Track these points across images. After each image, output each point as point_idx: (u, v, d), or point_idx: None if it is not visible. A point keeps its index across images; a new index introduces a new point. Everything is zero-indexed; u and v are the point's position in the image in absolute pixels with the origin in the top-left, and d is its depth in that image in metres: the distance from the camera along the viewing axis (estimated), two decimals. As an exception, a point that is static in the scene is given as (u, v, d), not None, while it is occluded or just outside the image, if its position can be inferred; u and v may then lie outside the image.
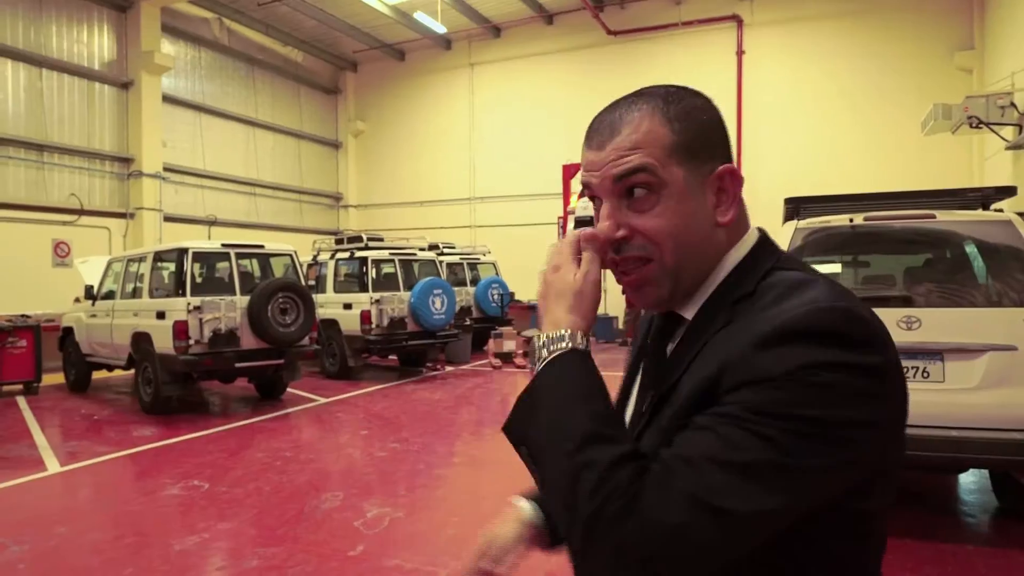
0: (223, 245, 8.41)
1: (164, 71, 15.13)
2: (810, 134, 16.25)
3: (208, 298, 7.87)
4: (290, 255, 9.07)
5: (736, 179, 0.86)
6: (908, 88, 15.46)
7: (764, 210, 15.21)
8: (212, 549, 4.13)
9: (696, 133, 0.85)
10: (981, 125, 11.84)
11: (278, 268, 9.60)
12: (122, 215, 14.59)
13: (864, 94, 15.82)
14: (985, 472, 4.82)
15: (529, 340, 13.66)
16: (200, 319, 7.75)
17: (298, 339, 8.45)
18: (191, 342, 7.71)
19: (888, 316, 3.92)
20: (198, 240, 8.56)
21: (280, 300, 8.27)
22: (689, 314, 0.89)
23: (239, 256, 8.49)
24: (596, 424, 0.76)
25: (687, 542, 0.69)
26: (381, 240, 11.45)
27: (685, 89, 0.89)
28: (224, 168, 17.41)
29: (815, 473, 0.71)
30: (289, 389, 9.43)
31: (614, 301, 16.97)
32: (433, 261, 11.82)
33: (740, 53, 16.96)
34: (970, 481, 5.19)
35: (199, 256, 8.24)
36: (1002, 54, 13.75)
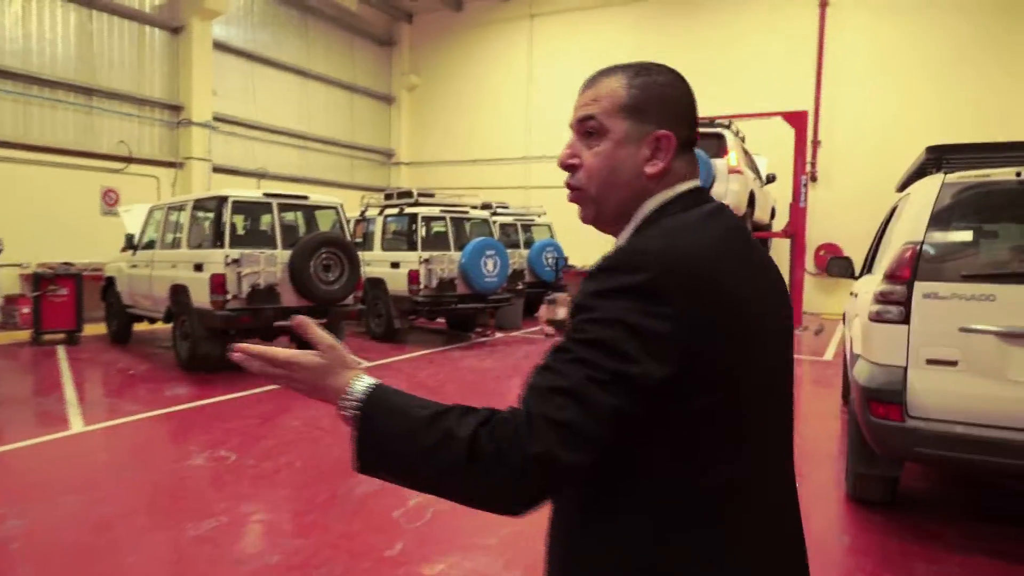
0: (265, 195, 7.86)
1: (215, 16, 14.62)
2: (893, 92, 14.90)
3: (247, 251, 7.35)
4: (336, 208, 8.49)
5: (669, 143, 1.04)
6: (1005, 45, 13.93)
7: (842, 170, 14.13)
8: (230, 537, 3.59)
9: (646, 100, 1.05)
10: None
11: (324, 223, 9.05)
12: (171, 164, 14.26)
13: (954, 51, 14.36)
14: None
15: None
16: (238, 273, 7.24)
17: (342, 298, 7.90)
18: (229, 297, 7.22)
19: (1070, 297, 3.07)
20: (239, 188, 8.05)
21: (323, 256, 7.71)
22: None
23: (282, 208, 7.94)
24: (427, 411, 0.93)
25: (548, 455, 0.86)
26: (432, 196, 10.79)
27: (660, 67, 1.09)
28: (275, 120, 16.94)
29: (614, 382, 0.88)
30: (332, 350, 8.93)
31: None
32: (486, 221, 11.13)
33: (824, 5, 15.58)
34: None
35: (240, 206, 7.71)
36: None
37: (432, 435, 0.90)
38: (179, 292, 7.78)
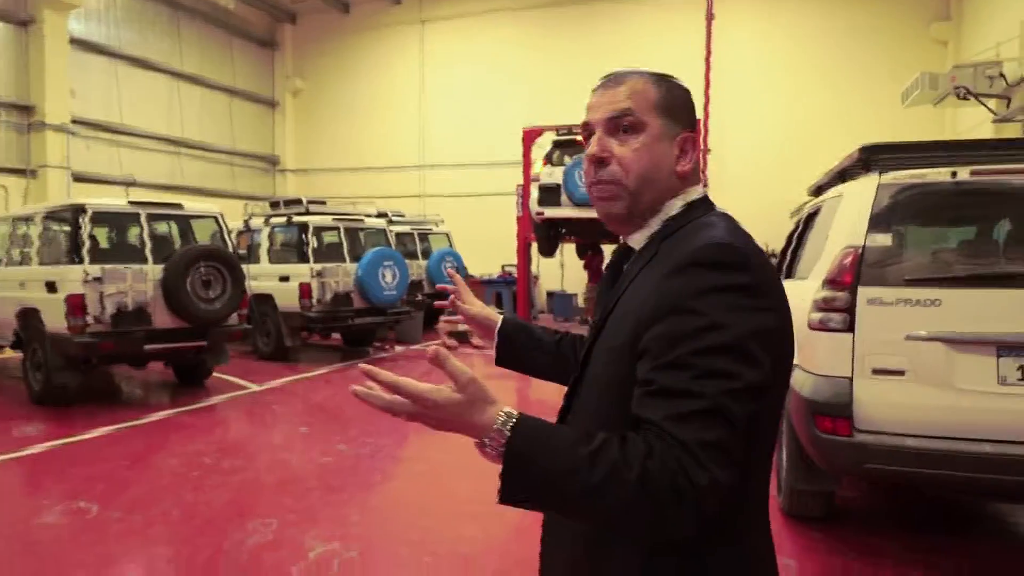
0: (131, 203, 6.98)
1: (71, 9, 13.23)
2: (781, 104, 15.54)
3: (111, 267, 6.47)
4: (215, 217, 7.70)
5: (695, 144, 1.08)
6: (882, 59, 14.88)
7: (731, 179, 14.38)
8: (87, 618, 2.93)
9: (674, 101, 1.08)
10: (968, 96, 11.26)
11: (203, 234, 8.21)
12: (22, 172, 12.74)
13: (837, 65, 15.16)
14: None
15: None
16: (100, 292, 6.35)
17: (224, 317, 7.13)
18: (89, 320, 6.32)
19: (1016, 300, 2.98)
20: (100, 197, 7.13)
21: (202, 270, 6.92)
22: (638, 246, 1.09)
23: (151, 218, 7.07)
24: (585, 446, 0.86)
25: (715, 482, 0.84)
26: (323, 204, 10.10)
27: (671, 76, 1.12)
28: (144, 124, 15.56)
29: (748, 389, 0.87)
30: (215, 373, 8.12)
31: (573, 278, 16.04)
32: (383, 230, 10.54)
33: (710, 17, 16.00)
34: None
35: (101, 216, 6.79)
36: (981, 25, 13.22)
37: (598, 473, 0.85)
38: (29, 315, 6.78)
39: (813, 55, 15.35)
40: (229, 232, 7.89)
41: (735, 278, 0.91)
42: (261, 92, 19.28)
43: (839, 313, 3.24)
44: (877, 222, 3.28)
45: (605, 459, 0.84)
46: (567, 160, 11.93)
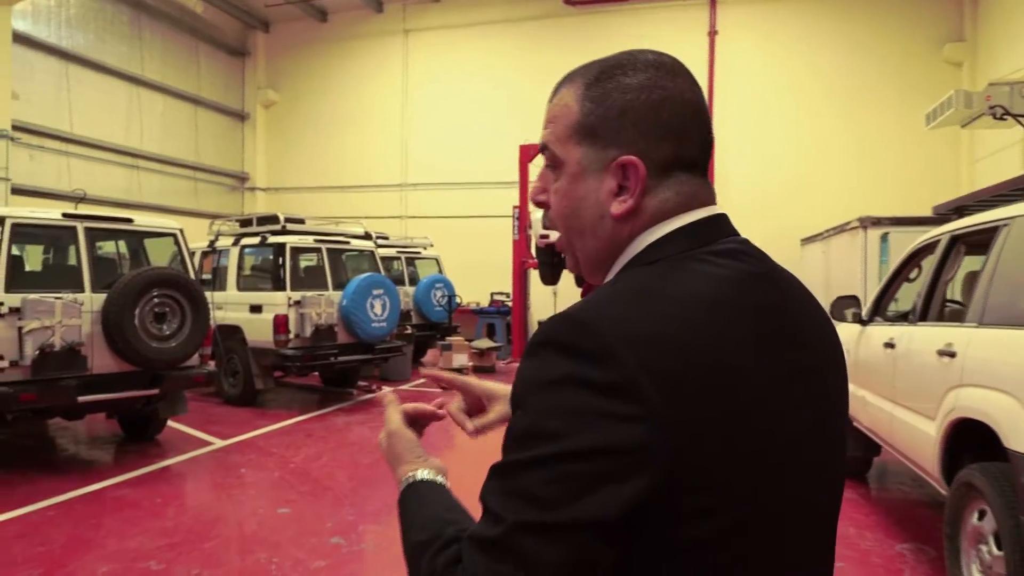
0: (65, 216, 5.58)
1: (15, 2, 11.77)
2: (787, 125, 14.66)
3: (33, 296, 5.05)
4: (174, 235, 6.34)
5: (636, 172, 0.76)
6: (893, 80, 14.12)
7: (735, 205, 13.41)
8: None
9: (604, 115, 0.77)
10: (1005, 115, 10.48)
11: (159, 255, 6.85)
12: (-49, 183, 11.17)
13: (846, 85, 14.35)
14: None
15: (481, 352, 11.24)
16: (19, 328, 4.93)
17: (181, 359, 5.73)
18: (5, 364, 4.89)
19: None
20: (24, 207, 5.77)
21: (155, 300, 5.55)
22: None
23: (92, 234, 5.68)
24: (419, 536, 0.76)
25: None
26: (302, 223, 8.75)
27: (635, 63, 0.80)
28: (98, 133, 14.04)
29: (558, 527, 0.63)
30: (170, 422, 6.69)
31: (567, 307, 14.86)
32: (372, 253, 9.20)
33: (712, 33, 15.19)
34: None
35: (24, 231, 5.38)
36: (999, 46, 12.53)
37: (410, 566, 0.75)
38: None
39: (821, 73, 14.55)
40: (191, 254, 6.53)
41: (582, 370, 0.65)
42: (230, 104, 17.85)
43: None
44: None
45: (418, 560, 0.73)
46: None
